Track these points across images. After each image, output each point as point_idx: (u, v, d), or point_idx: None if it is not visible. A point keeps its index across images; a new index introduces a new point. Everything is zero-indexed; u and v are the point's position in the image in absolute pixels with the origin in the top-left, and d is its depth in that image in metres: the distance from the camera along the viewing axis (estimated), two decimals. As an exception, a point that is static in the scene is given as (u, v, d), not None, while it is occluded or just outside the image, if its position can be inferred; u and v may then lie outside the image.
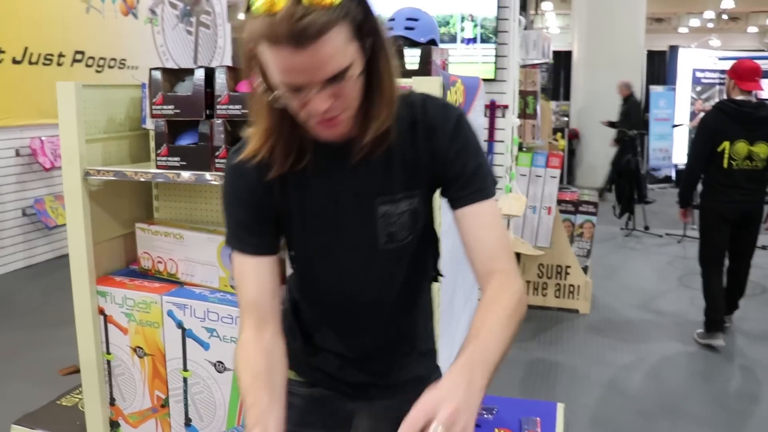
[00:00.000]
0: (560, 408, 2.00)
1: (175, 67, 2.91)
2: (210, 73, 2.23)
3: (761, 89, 4.21)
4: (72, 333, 2.60)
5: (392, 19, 2.81)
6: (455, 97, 2.17)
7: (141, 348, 2.44)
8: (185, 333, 2.33)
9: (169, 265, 2.46)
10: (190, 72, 2.32)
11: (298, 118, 1.13)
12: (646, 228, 7.44)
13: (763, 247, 6.60)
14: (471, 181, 1.20)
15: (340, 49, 1.02)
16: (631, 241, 7.10)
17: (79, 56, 6.25)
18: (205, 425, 2.43)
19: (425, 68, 2.15)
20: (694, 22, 19.23)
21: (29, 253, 5.97)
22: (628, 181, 7.16)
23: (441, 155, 1.21)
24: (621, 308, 5.01)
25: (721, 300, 4.29)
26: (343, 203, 1.25)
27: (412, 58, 2.49)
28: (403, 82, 2.04)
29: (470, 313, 2.78)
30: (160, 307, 2.35)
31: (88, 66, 6.37)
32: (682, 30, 19.96)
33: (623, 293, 5.35)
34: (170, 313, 2.33)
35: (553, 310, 4.83)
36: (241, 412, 2.38)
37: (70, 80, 2.36)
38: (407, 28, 2.73)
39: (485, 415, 1.88)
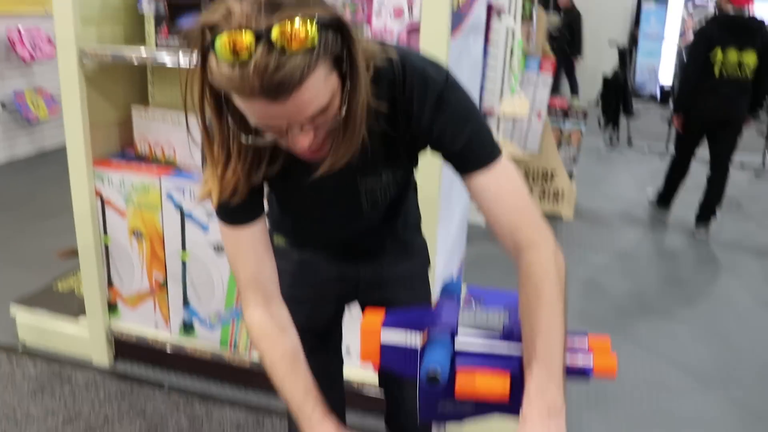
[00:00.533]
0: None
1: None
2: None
3: (752, 3, 4.34)
4: (61, 224, 2.60)
5: None
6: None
7: (139, 230, 2.48)
8: (184, 215, 2.37)
9: (166, 150, 2.47)
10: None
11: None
12: (630, 141, 7.51)
13: (742, 166, 6.73)
14: (465, 155, 1.11)
15: (321, 89, 0.92)
16: (614, 153, 7.19)
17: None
18: (203, 305, 2.50)
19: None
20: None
21: (10, 148, 5.89)
22: (615, 94, 7.17)
23: (423, 135, 1.12)
24: (603, 215, 5.13)
25: (678, 185, 5.04)
26: (326, 184, 1.20)
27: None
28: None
29: (465, 198, 2.83)
30: (159, 190, 2.37)
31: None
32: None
33: (605, 201, 5.47)
34: (169, 196, 2.36)
35: (536, 215, 4.93)
36: (239, 296, 2.44)
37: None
38: None
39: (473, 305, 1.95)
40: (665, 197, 5.17)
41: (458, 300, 1.19)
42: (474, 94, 2.81)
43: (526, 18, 4.67)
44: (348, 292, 1.52)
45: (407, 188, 1.42)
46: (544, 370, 0.99)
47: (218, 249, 2.37)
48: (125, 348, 2.77)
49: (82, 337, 2.76)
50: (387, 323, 1.12)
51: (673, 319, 3.50)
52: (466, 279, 3.26)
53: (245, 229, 1.18)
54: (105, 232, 2.54)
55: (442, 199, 2.10)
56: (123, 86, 2.62)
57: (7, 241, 4.05)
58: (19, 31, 5.67)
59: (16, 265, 3.67)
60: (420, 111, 1.10)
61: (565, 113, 4.91)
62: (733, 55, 4.35)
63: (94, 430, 2.39)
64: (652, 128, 8.21)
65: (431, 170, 2.01)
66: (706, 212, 4.77)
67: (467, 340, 1.05)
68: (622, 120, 7.43)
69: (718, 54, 4.36)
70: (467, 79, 2.40)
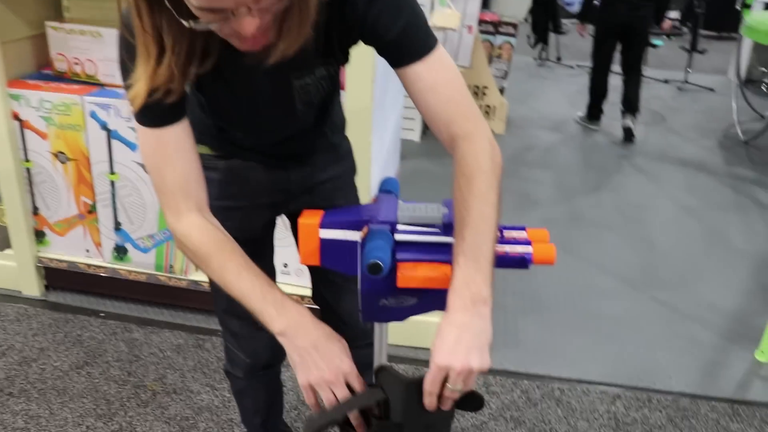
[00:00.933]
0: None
1: None
2: None
3: None
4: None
5: None
6: None
7: (63, 153, 2.38)
8: (110, 134, 2.28)
9: (87, 67, 2.35)
10: None
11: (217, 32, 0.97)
12: (559, 59, 7.58)
13: (666, 81, 6.90)
14: (400, 46, 1.06)
15: None
16: (543, 70, 7.25)
17: None
18: (135, 228, 2.44)
19: None
20: None
21: None
22: (545, 10, 7.17)
23: (358, 25, 1.07)
24: (534, 130, 5.21)
25: (603, 95, 5.29)
26: (258, 84, 1.16)
27: None
28: None
29: (398, 111, 2.82)
30: (81, 109, 2.27)
31: None
32: None
33: (536, 116, 5.54)
34: (93, 115, 2.26)
35: (469, 132, 4.96)
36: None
37: None
38: None
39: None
40: (593, 110, 5.38)
41: (397, 196, 1.19)
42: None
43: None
44: (279, 200, 1.48)
45: (336, 87, 1.38)
46: (471, 261, 0.98)
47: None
48: (56, 277, 2.70)
49: (10, 269, 2.68)
50: (325, 223, 1.11)
51: (601, 227, 3.62)
52: (401, 194, 3.28)
53: (170, 129, 1.10)
54: (26, 156, 2.43)
55: (375, 108, 2.07)
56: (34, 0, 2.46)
57: None
58: None
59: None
60: None
61: (496, 27, 4.89)
62: None
63: (29, 362, 2.34)
64: (581, 45, 8.28)
65: (364, 78, 1.98)
66: (628, 106, 5.14)
67: (407, 232, 1.05)
68: (552, 37, 7.47)
69: None
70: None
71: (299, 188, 1.45)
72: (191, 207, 1.14)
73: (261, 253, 1.56)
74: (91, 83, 2.35)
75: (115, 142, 2.28)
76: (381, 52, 1.10)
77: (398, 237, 1.05)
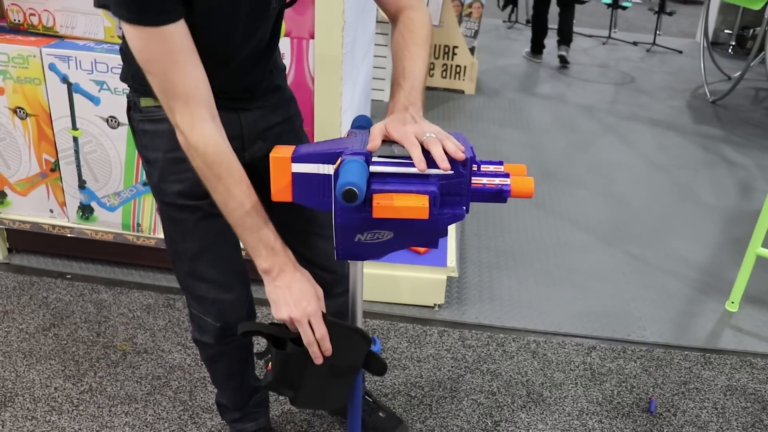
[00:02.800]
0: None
1: None
2: None
3: None
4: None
5: None
6: None
7: (22, 108, 2.29)
8: (71, 88, 2.19)
9: (44, 18, 2.25)
10: None
11: None
12: (528, 21, 7.52)
13: (635, 43, 6.91)
14: None
15: None
16: (513, 32, 7.19)
17: None
18: (100, 186, 2.37)
19: None
20: None
21: None
22: (514, -28, 7.12)
23: None
24: (504, 90, 5.17)
25: (544, 31, 5.95)
26: None
27: None
28: None
29: (368, 67, 2.77)
30: (40, 61, 2.18)
31: None
32: None
33: (505, 78, 5.50)
34: (52, 67, 2.17)
35: (439, 90, 4.92)
36: (138, 172, 2.33)
37: None
38: None
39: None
40: (535, 45, 6.03)
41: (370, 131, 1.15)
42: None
43: None
44: (233, 147, 1.42)
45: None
46: (409, 82, 1.16)
47: (112, 123, 2.22)
48: (20, 239, 2.63)
49: (-30, 232, 2.60)
50: (297, 157, 1.07)
51: (574, 185, 3.61)
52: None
53: (174, 28, 1.03)
54: (-17, 113, 2.34)
55: (346, 58, 2.02)
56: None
57: None
58: None
59: None
60: None
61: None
62: None
63: (-7, 324, 2.28)
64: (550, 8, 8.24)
65: (334, 25, 1.92)
66: (563, 37, 5.92)
67: (382, 164, 1.02)
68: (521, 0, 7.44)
69: None
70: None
71: (251, 133, 1.39)
72: (205, 116, 1.10)
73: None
74: (49, 35, 2.25)
75: (77, 96, 2.19)
76: None
77: (373, 168, 1.01)
